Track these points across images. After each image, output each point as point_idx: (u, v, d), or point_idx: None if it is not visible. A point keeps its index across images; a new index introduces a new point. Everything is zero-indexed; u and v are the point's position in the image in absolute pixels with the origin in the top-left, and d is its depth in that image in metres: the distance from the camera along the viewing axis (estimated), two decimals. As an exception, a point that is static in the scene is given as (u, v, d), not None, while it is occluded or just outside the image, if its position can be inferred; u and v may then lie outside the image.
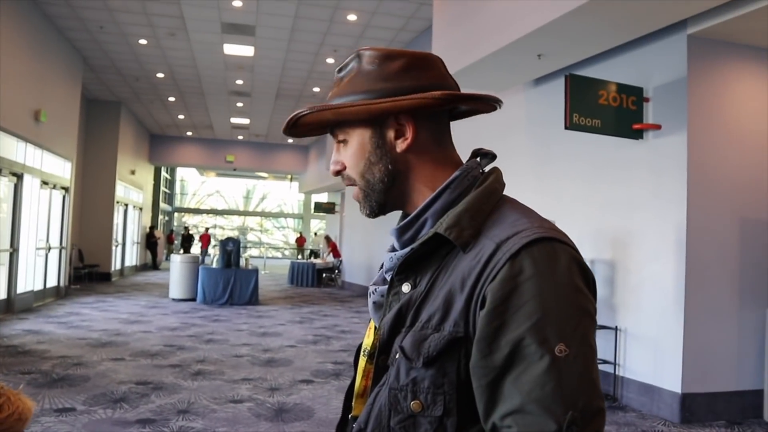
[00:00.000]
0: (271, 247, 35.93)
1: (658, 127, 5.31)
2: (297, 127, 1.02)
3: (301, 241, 27.69)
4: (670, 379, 5.06)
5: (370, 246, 15.43)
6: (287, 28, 10.45)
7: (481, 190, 0.94)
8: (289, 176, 28.41)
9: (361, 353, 1.07)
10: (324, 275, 17.97)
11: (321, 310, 11.97)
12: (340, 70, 1.02)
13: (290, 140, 22.28)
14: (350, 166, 1.00)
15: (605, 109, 5.29)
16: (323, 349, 7.72)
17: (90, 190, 15.92)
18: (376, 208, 1.01)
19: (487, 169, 1.00)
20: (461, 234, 0.89)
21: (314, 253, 23.26)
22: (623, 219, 5.68)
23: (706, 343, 5.06)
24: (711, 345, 5.08)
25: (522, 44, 5.51)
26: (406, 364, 0.88)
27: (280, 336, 8.61)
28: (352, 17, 9.85)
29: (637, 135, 5.43)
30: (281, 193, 35.85)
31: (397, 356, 0.90)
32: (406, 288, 0.94)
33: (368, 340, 1.06)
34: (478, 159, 1.01)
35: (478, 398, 0.83)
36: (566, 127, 5.18)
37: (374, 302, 1.03)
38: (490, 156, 1.02)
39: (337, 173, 1.03)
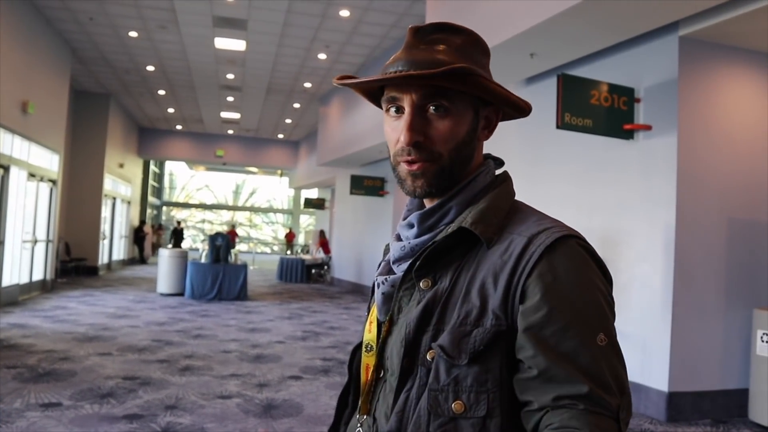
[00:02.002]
0: (260, 243, 35.82)
1: (648, 127, 5.33)
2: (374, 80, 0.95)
3: (290, 237, 27.61)
4: (657, 378, 5.10)
5: (359, 242, 15.41)
6: (279, 23, 10.40)
7: (501, 189, 0.99)
8: (279, 171, 28.36)
9: (363, 350, 1.05)
10: (313, 271, 17.95)
11: (310, 306, 11.96)
12: (428, 31, 0.96)
13: (280, 135, 22.21)
14: (440, 140, 0.94)
15: (596, 109, 5.31)
16: (312, 346, 7.71)
17: (78, 183, 15.80)
18: (442, 187, 0.96)
19: (497, 172, 1.04)
20: (486, 230, 0.91)
21: (305, 249, 23.22)
22: (613, 219, 5.70)
23: (693, 342, 5.10)
24: (698, 344, 5.12)
25: (515, 43, 5.52)
26: (446, 363, 0.87)
27: (268, 332, 8.59)
28: (344, 13, 9.81)
29: (628, 135, 5.46)
30: (271, 189, 35.75)
31: (428, 356, 0.89)
32: (424, 284, 0.93)
33: (370, 336, 1.04)
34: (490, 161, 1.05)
35: (524, 386, 0.84)
36: (558, 127, 5.19)
37: (383, 293, 1.00)
38: (499, 161, 1.06)
39: (415, 144, 0.93)
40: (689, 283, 5.10)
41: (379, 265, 1.12)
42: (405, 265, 0.98)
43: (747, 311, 5.24)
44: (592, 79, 5.42)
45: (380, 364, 0.99)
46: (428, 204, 1.01)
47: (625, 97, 5.42)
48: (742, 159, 5.32)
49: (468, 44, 0.97)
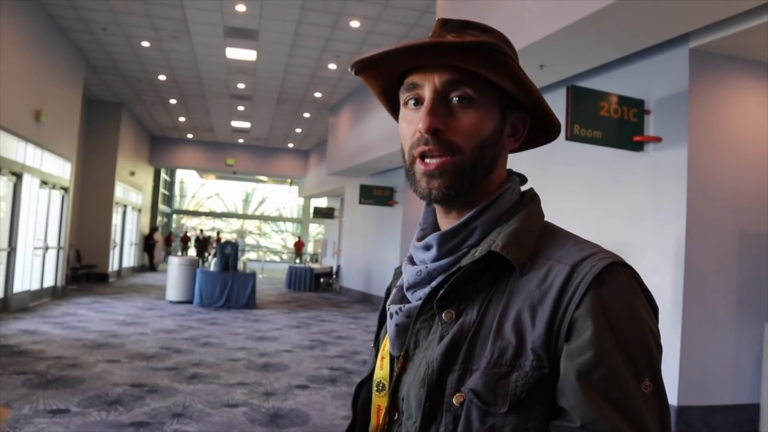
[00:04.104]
0: (269, 251, 35.90)
1: (659, 139, 5.32)
2: (394, 59, 0.85)
3: (299, 246, 27.66)
4: (667, 392, 5.04)
5: (368, 252, 15.41)
6: (290, 33, 10.47)
7: (531, 209, 0.89)
8: (289, 180, 28.45)
9: (374, 388, 0.92)
10: (322, 280, 17.95)
11: (318, 315, 11.95)
12: (456, 25, 0.87)
13: (290, 144, 22.28)
14: (462, 132, 0.83)
15: (606, 121, 5.30)
16: (320, 355, 7.70)
17: (89, 191, 15.91)
18: (462, 191, 0.85)
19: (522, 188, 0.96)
20: (519, 255, 0.81)
21: (314, 258, 23.25)
22: (623, 231, 5.68)
23: (703, 356, 5.06)
24: (708, 358, 5.08)
25: (524, 54, 5.52)
26: (480, 410, 0.76)
27: (276, 340, 8.59)
28: (355, 24, 9.87)
29: (638, 147, 5.44)
30: (280, 197, 35.86)
31: (454, 400, 0.78)
32: (447, 316, 0.81)
33: (382, 373, 0.91)
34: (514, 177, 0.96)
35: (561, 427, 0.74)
36: (567, 138, 5.18)
37: (397, 325, 0.88)
38: (523, 177, 0.97)
39: (434, 131, 0.83)
40: (700, 296, 5.06)
41: (389, 290, 1.01)
42: (422, 293, 0.86)
43: (758, 325, 5.19)
44: (601, 90, 5.41)
45: (394, 406, 0.87)
46: (444, 216, 0.90)
47: (635, 108, 5.41)
48: (753, 172, 5.29)
49: (501, 41, 0.88)
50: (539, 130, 0.95)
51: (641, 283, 0.80)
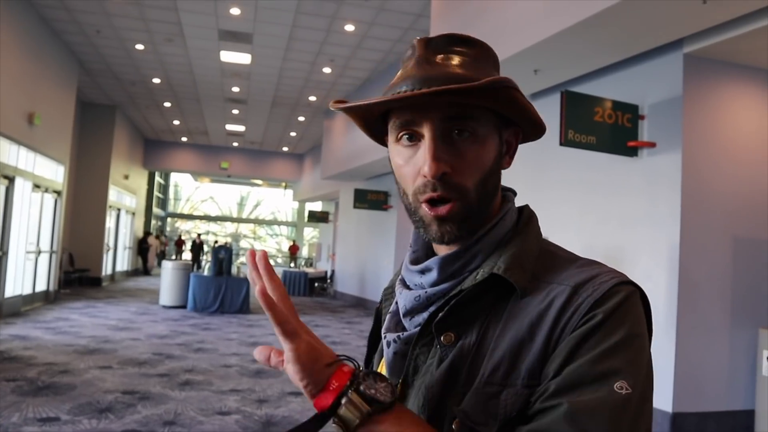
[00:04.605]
0: (264, 255, 35.73)
1: (653, 144, 5.31)
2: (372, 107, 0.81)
3: (294, 250, 27.59)
4: (661, 398, 5.03)
5: (362, 256, 15.38)
6: (284, 37, 10.45)
7: (530, 229, 0.86)
8: (284, 184, 28.39)
9: None
10: (316, 284, 17.90)
11: (312, 320, 11.91)
12: (441, 44, 0.83)
13: (285, 148, 22.26)
14: (467, 171, 0.79)
15: (600, 126, 5.29)
16: (313, 360, 7.65)
17: (82, 194, 15.84)
18: (473, 228, 0.82)
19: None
20: (521, 277, 0.78)
21: (308, 262, 23.21)
22: (616, 236, 5.66)
23: (697, 362, 5.04)
24: (702, 364, 5.06)
25: (519, 59, 5.51)
26: None
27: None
28: (349, 27, 9.85)
29: (632, 152, 5.43)
30: (275, 201, 35.81)
31: (453, 426, 0.74)
32: (445, 339, 0.78)
33: None
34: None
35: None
36: (561, 144, 5.17)
37: (396, 353, 0.84)
38: (513, 191, 0.92)
39: (441, 176, 0.78)
40: (694, 302, 5.05)
41: (379, 312, 0.96)
42: (420, 318, 0.83)
43: (752, 331, 5.18)
44: (595, 95, 5.40)
45: None
46: (420, 247, 0.88)
47: (629, 114, 5.40)
48: (747, 178, 5.29)
49: (482, 56, 0.85)
50: (526, 132, 0.91)
51: (647, 304, 0.78)
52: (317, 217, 21.94)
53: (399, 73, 0.83)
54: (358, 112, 0.88)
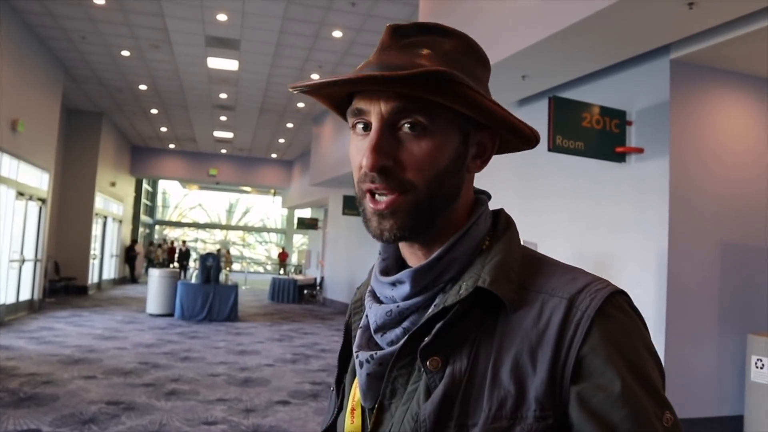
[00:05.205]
0: (253, 262, 35.65)
1: (640, 150, 5.30)
2: (335, 86, 0.74)
3: (283, 257, 27.49)
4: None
5: (352, 263, 15.32)
6: (272, 43, 10.41)
7: (511, 235, 0.80)
8: (273, 191, 28.29)
9: None
10: (305, 291, 17.82)
11: (301, 327, 11.83)
12: (410, 32, 0.77)
13: (273, 155, 22.18)
14: (413, 166, 0.73)
15: (588, 132, 5.28)
16: (302, 369, 7.59)
17: (68, 202, 15.67)
18: (416, 230, 0.75)
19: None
20: (508, 290, 0.72)
21: (298, 269, 23.11)
22: (605, 243, 5.65)
23: (686, 368, 5.03)
24: (692, 370, 5.05)
25: (506, 65, 5.50)
26: None
27: (258, 354, 8.47)
28: (337, 34, 9.82)
29: (620, 158, 5.42)
30: (264, 208, 35.68)
31: None
32: (432, 364, 0.71)
33: (353, 426, 0.81)
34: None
35: None
36: (549, 149, 5.15)
37: (369, 374, 0.77)
38: (487, 194, 0.87)
39: (381, 169, 0.73)
40: (682, 307, 5.04)
41: (348, 327, 0.90)
42: (392, 335, 0.77)
43: (741, 336, 5.18)
44: (583, 101, 5.39)
45: None
46: (408, 248, 0.81)
47: (617, 119, 5.40)
48: (734, 182, 5.29)
49: (459, 50, 0.78)
50: (515, 139, 0.84)
51: (637, 310, 0.74)
52: (306, 224, 21.86)
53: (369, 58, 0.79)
54: (326, 99, 0.82)
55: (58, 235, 15.20)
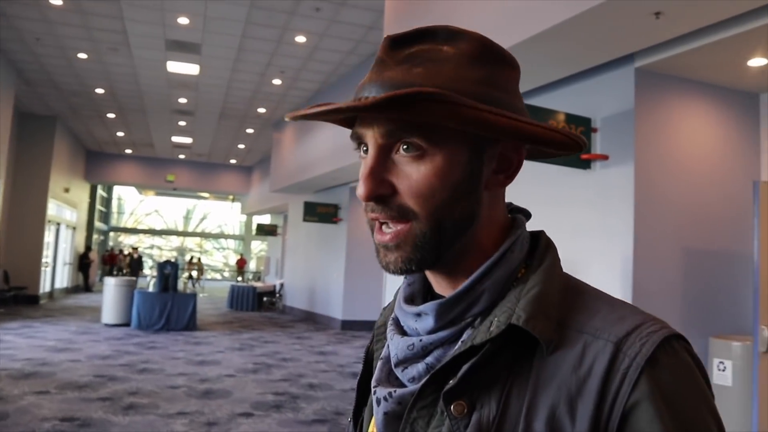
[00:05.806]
0: (210, 269, 35.10)
1: (605, 157, 5.35)
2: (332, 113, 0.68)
3: (241, 263, 27.13)
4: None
5: (312, 270, 15.17)
6: (234, 48, 10.25)
7: (550, 263, 0.71)
8: (231, 197, 27.93)
9: None
10: (265, 299, 17.58)
11: (261, 336, 11.64)
12: (408, 41, 0.69)
13: (233, 161, 21.89)
14: (414, 193, 0.66)
15: (555, 139, 5.30)
16: (264, 379, 7.44)
17: (19, 208, 15.14)
18: (425, 263, 0.69)
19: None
20: (546, 328, 0.63)
21: (256, 276, 22.82)
22: (570, 249, 5.68)
23: (651, 374, 5.07)
24: (656, 376, 5.09)
25: (473, 72, 5.49)
26: None
27: (218, 364, 8.27)
28: (300, 39, 9.73)
29: (585, 165, 5.47)
30: (222, 214, 35.21)
31: None
32: (456, 410, 0.63)
33: None
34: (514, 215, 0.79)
35: None
36: (516, 156, 5.15)
37: (387, 413, 0.70)
38: (525, 213, 0.79)
39: (378, 198, 0.67)
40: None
41: (369, 352, 0.83)
42: (414, 371, 0.70)
43: (703, 340, 5.25)
44: (549, 108, 5.42)
45: None
46: (432, 275, 0.74)
47: (582, 126, 5.43)
48: (697, 190, 5.38)
49: (467, 55, 0.68)
50: (544, 147, 0.75)
51: (696, 358, 0.65)
52: (265, 231, 21.63)
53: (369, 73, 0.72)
54: (332, 121, 0.76)
55: (7, 243, 14.68)
